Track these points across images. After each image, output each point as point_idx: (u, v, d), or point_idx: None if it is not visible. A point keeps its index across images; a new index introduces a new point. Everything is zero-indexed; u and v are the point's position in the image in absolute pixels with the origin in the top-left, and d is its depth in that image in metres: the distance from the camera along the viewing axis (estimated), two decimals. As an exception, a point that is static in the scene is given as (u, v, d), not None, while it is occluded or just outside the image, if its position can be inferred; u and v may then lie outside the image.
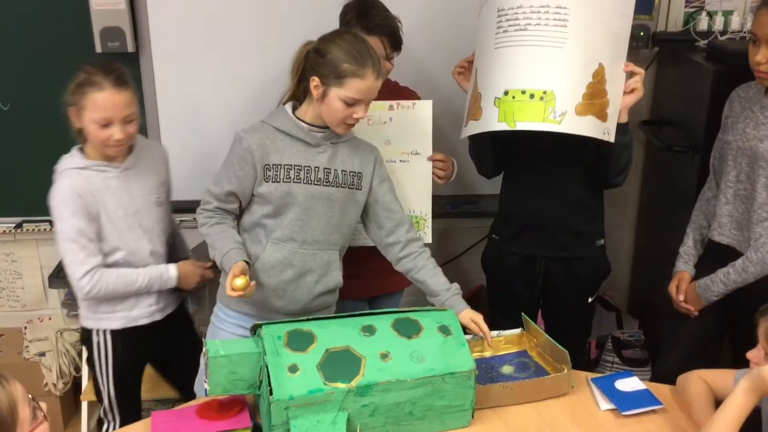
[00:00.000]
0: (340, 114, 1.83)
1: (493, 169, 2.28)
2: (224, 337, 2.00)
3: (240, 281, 1.76)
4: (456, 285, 1.99)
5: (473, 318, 1.89)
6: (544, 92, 1.82)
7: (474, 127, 1.97)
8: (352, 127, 1.90)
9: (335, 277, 2.02)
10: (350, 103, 1.81)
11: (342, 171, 1.93)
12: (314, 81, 1.82)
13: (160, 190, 2.11)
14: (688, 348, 2.18)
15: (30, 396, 1.34)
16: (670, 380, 1.85)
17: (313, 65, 1.84)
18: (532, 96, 1.83)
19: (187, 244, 2.34)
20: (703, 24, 2.76)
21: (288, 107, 1.92)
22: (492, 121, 1.90)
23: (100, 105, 1.87)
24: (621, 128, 1.94)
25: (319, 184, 1.90)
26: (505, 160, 2.24)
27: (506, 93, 1.87)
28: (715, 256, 2.10)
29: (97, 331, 2.07)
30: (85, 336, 2.12)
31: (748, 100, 2.05)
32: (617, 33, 1.88)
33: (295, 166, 1.88)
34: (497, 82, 1.90)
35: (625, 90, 1.92)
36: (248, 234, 1.96)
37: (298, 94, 1.93)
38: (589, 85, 1.83)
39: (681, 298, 2.15)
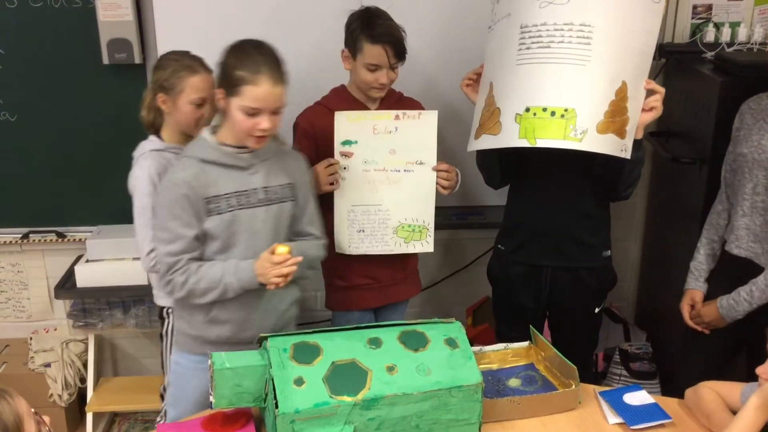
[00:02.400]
0: (244, 126, 1.78)
1: (500, 181, 2.28)
2: (191, 386, 1.96)
3: (283, 248, 1.75)
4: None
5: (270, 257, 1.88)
6: (566, 110, 1.82)
7: (491, 142, 1.97)
8: (262, 140, 1.83)
9: (294, 289, 2.01)
10: (250, 114, 1.76)
11: (279, 186, 1.91)
12: (219, 94, 1.80)
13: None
14: (704, 363, 2.16)
15: (33, 410, 1.33)
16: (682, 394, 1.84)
17: (217, 78, 1.81)
18: (553, 113, 1.83)
19: None
20: (710, 35, 2.75)
21: (207, 134, 1.87)
22: (512, 138, 1.89)
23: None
24: (636, 144, 1.93)
25: (262, 205, 1.88)
26: (512, 171, 2.24)
27: (527, 110, 1.86)
28: (731, 269, 2.09)
29: (167, 309, 2.15)
30: (159, 312, 2.24)
31: (761, 112, 2.03)
32: (642, 50, 1.87)
33: (234, 193, 1.84)
34: (519, 98, 1.89)
35: (644, 107, 1.91)
36: None
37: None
38: (612, 102, 1.83)
39: (692, 324, 2.15)
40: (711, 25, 2.78)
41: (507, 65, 1.94)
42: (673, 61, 2.81)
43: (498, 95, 1.97)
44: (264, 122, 1.77)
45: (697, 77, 2.58)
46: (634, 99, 1.88)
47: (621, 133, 1.87)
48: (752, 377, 1.74)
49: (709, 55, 2.66)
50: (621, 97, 1.84)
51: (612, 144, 1.86)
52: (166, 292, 1.94)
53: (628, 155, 1.90)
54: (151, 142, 2.12)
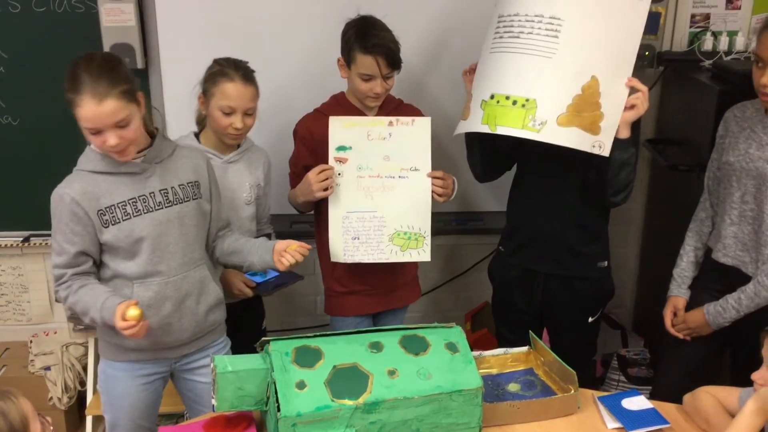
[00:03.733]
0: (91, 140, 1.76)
1: (482, 173, 2.28)
2: (120, 389, 1.96)
3: (134, 311, 1.71)
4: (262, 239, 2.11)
5: (289, 242, 1.97)
6: (527, 100, 1.84)
7: (461, 126, 2.01)
8: (120, 153, 1.77)
9: (213, 290, 2.00)
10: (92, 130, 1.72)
11: (180, 185, 1.89)
12: None
13: (252, 190, 2.22)
14: (688, 367, 2.17)
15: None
16: (669, 398, 1.85)
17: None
18: (515, 102, 1.86)
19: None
20: (708, 44, 2.78)
21: (94, 145, 1.80)
22: (476, 123, 1.93)
23: (228, 94, 2.04)
24: (621, 144, 1.93)
25: (161, 208, 1.85)
26: (497, 166, 2.26)
27: (492, 97, 1.90)
28: (717, 277, 2.10)
29: None
30: None
31: (746, 120, 2.04)
32: (620, 47, 1.87)
33: (129, 200, 1.82)
34: (486, 85, 1.93)
35: (625, 105, 1.91)
36: (110, 287, 1.87)
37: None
38: (577, 97, 1.84)
39: (673, 331, 2.16)
40: (709, 33, 2.80)
41: (483, 53, 1.99)
42: (671, 70, 2.84)
43: (474, 82, 2.02)
44: (111, 139, 1.71)
45: (695, 85, 2.60)
46: (611, 96, 1.87)
47: (592, 129, 1.86)
48: (736, 383, 1.76)
49: (707, 63, 2.69)
50: (590, 92, 1.84)
51: (577, 138, 1.86)
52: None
53: (604, 152, 1.89)
54: (185, 139, 2.18)
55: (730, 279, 2.03)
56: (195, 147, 2.13)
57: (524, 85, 1.86)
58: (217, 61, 2.13)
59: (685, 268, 2.21)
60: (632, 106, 1.91)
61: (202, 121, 2.23)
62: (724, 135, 2.11)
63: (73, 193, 1.77)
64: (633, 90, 1.91)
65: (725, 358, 2.21)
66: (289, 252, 1.97)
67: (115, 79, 1.70)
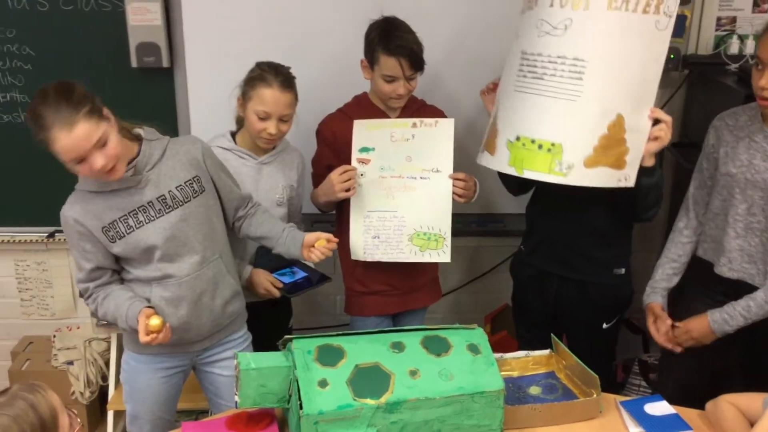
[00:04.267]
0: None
1: (518, 189, 2.30)
2: (142, 381, 2.01)
3: (155, 320, 1.76)
4: (290, 224, 2.12)
5: (318, 235, 2.01)
6: (552, 144, 1.82)
7: (488, 160, 2.00)
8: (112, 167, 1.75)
9: (229, 283, 2.01)
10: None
11: (177, 187, 1.87)
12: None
13: (285, 191, 2.24)
14: (687, 369, 2.15)
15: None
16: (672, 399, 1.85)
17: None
18: (540, 146, 1.84)
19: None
20: (734, 47, 2.75)
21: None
22: (503, 163, 1.93)
23: (264, 100, 2.06)
24: (647, 171, 1.91)
25: (162, 215, 1.85)
26: (529, 186, 2.26)
27: (518, 139, 1.88)
28: (720, 290, 2.05)
29: None
30: None
31: (742, 129, 1.99)
32: (644, 80, 1.84)
33: (129, 213, 1.82)
34: (512, 125, 1.91)
35: (649, 137, 1.88)
36: (131, 287, 1.92)
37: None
38: (603, 137, 1.81)
39: (662, 340, 2.11)
40: (735, 37, 2.77)
41: (507, 89, 1.96)
42: (696, 73, 2.81)
43: (499, 115, 1.99)
44: (96, 162, 1.69)
45: (720, 89, 2.58)
46: (635, 129, 1.85)
47: (618, 165, 1.85)
48: (749, 388, 1.75)
49: (733, 67, 2.66)
50: (615, 130, 1.82)
51: (604, 177, 1.85)
52: None
53: (629, 184, 1.88)
54: (221, 139, 2.21)
55: (737, 291, 1.99)
56: (228, 147, 2.17)
57: (550, 129, 1.83)
58: (259, 65, 2.14)
59: (658, 280, 2.17)
60: (656, 138, 1.88)
61: (241, 121, 2.24)
62: (716, 144, 2.06)
63: (75, 215, 1.80)
64: (656, 120, 1.88)
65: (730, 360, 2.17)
66: (318, 248, 1.99)
67: (75, 103, 1.65)
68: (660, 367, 2.28)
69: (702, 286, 2.12)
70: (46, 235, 2.93)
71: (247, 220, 2.10)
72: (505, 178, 2.24)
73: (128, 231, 1.82)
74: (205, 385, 2.14)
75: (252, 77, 2.11)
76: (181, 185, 1.88)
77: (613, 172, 1.85)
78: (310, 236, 2.03)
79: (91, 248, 1.83)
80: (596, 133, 1.82)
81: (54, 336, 3.01)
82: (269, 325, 2.24)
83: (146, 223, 1.84)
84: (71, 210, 1.81)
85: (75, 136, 1.64)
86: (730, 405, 1.72)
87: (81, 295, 1.92)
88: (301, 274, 2.26)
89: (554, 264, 2.23)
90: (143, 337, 1.76)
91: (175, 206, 1.87)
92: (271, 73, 2.09)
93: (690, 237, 2.16)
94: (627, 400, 1.85)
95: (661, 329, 2.12)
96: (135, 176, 1.82)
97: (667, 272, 2.17)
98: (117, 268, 1.91)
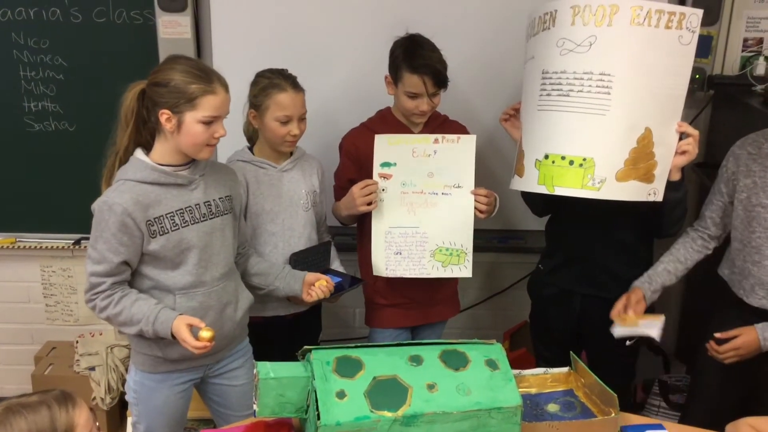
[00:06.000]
0: (201, 138, 1.80)
1: (542, 210, 2.30)
2: (159, 400, 1.97)
3: (206, 332, 1.75)
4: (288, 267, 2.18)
5: (318, 276, 2.09)
6: (584, 159, 1.83)
7: (518, 183, 2.01)
8: (213, 148, 1.87)
9: (246, 296, 2.06)
10: (208, 122, 1.79)
11: (220, 198, 1.95)
12: (165, 114, 1.78)
13: (309, 197, 2.27)
14: (717, 393, 2.12)
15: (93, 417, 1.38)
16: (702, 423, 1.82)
17: (156, 100, 1.79)
18: (571, 162, 1.85)
19: (333, 254, 2.41)
20: (760, 69, 2.74)
21: (141, 155, 1.84)
22: (532, 183, 1.93)
23: (283, 105, 2.11)
24: (673, 185, 1.92)
25: (206, 219, 1.89)
26: (554, 207, 2.25)
27: (546, 157, 1.89)
28: (755, 320, 2.01)
29: None
30: None
31: (766, 158, 1.97)
32: (670, 94, 1.85)
33: (177, 211, 1.84)
34: (539, 144, 1.91)
35: (676, 151, 1.89)
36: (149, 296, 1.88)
37: (142, 140, 1.88)
38: (633, 150, 1.83)
39: (630, 312, 2.04)
40: (761, 58, 2.76)
41: (530, 109, 1.96)
42: (721, 93, 2.80)
43: (524, 137, 2.00)
44: (220, 129, 1.83)
45: (746, 110, 2.56)
46: (663, 144, 1.86)
47: (647, 178, 1.86)
48: None
49: (759, 88, 2.65)
50: (644, 143, 1.83)
51: (635, 190, 1.85)
52: (89, 309, 1.90)
53: (658, 198, 1.89)
54: (241, 153, 2.25)
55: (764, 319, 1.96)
56: (248, 159, 2.21)
57: (580, 144, 1.84)
58: (262, 75, 2.17)
59: (659, 272, 2.12)
60: (683, 152, 1.89)
61: (251, 136, 2.27)
62: (736, 172, 2.03)
63: (125, 203, 1.77)
64: (683, 135, 1.89)
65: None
66: (318, 287, 2.07)
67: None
68: (690, 389, 2.24)
69: (736, 318, 2.07)
70: (72, 242, 2.98)
71: (244, 258, 2.14)
72: (530, 198, 2.24)
73: (173, 228, 1.84)
74: (209, 396, 2.12)
75: (263, 87, 2.14)
76: (222, 197, 1.96)
77: (643, 185, 1.86)
78: (311, 276, 2.11)
79: (127, 241, 1.79)
80: (626, 146, 1.82)
81: (77, 342, 3.06)
82: (301, 340, 2.25)
83: (191, 224, 1.87)
84: (120, 198, 1.77)
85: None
86: (750, 428, 1.69)
87: (88, 290, 1.82)
88: (336, 279, 2.26)
89: (579, 282, 2.22)
90: (192, 341, 1.75)
91: (217, 214, 1.93)
92: (280, 78, 2.14)
93: (701, 248, 2.14)
94: (628, 425, 1.83)
95: (617, 307, 2.06)
96: (190, 175, 1.87)
97: (667, 268, 2.13)
98: (134, 271, 1.88)
